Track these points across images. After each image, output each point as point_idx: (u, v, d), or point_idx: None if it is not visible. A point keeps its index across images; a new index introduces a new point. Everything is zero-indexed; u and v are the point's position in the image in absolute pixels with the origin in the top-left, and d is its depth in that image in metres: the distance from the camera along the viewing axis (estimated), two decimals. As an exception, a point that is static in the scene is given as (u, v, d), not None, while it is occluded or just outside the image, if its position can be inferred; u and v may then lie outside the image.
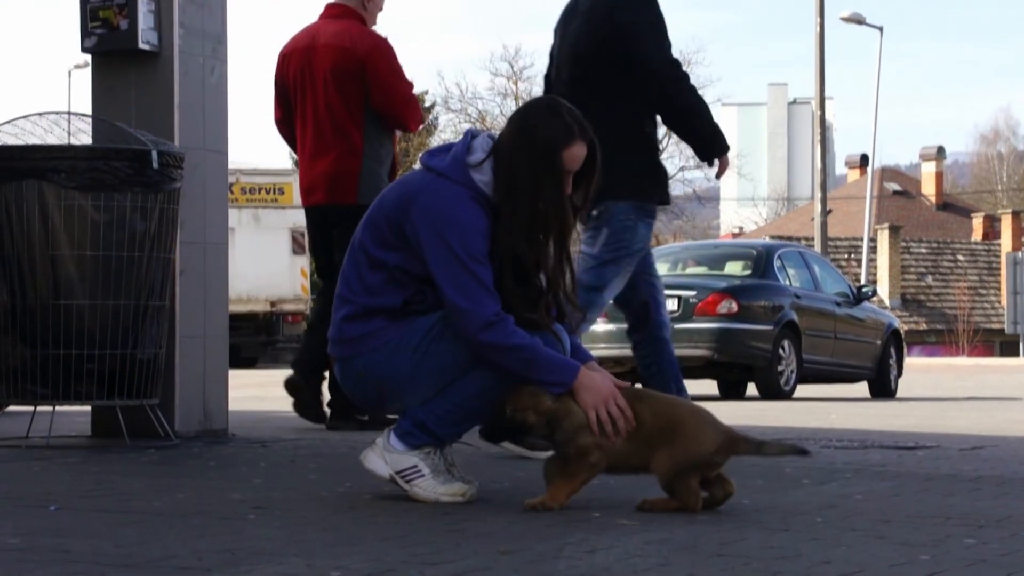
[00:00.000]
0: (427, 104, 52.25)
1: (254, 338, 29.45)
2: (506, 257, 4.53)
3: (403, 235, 4.56)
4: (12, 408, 6.95)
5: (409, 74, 7.98)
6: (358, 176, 7.91)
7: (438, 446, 4.67)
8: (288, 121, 8.19)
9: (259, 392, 14.68)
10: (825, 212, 36.56)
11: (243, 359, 27.78)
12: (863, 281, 38.17)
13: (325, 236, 8.15)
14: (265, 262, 28.44)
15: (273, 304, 29.46)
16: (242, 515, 4.31)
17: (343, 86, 7.90)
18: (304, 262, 30.12)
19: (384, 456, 4.69)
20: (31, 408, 6.87)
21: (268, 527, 4.07)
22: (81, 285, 6.46)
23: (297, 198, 31.74)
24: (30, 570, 3.30)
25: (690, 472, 4.44)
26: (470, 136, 4.64)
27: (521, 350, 4.45)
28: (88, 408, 7.18)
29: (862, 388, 17.72)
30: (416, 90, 8.47)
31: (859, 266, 44.98)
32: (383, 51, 7.89)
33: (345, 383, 4.74)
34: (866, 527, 4.22)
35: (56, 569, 3.32)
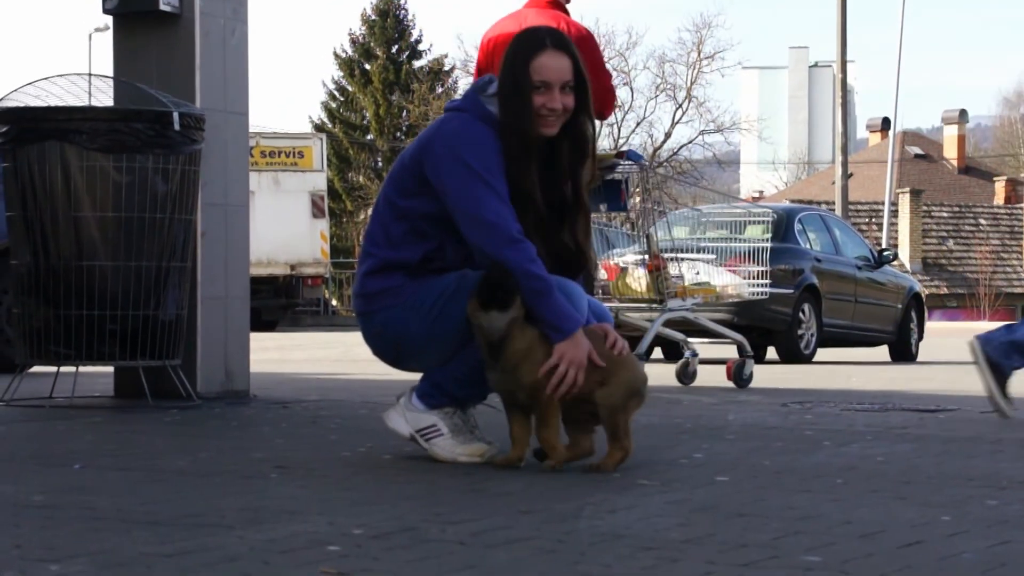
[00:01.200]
0: (446, 68, 52.19)
1: (274, 301, 29.51)
2: (511, 186, 4.49)
3: (424, 179, 4.53)
4: (35, 369, 6.99)
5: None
6: None
7: (459, 407, 4.68)
8: None
9: (279, 355, 14.72)
10: (846, 176, 36.45)
11: (263, 322, 27.85)
12: (884, 245, 38.06)
13: None
14: (285, 225, 28.47)
15: (293, 267, 29.50)
16: (264, 474, 4.33)
17: None
18: (324, 225, 30.15)
19: (405, 415, 4.71)
20: (54, 369, 6.90)
21: (290, 486, 4.09)
22: (103, 246, 6.48)
23: (316, 162, 31.73)
24: (56, 527, 3.33)
25: (631, 406, 4.42)
26: (490, 77, 4.64)
27: (538, 280, 4.36)
28: (111, 369, 7.21)
29: (883, 352, 17.70)
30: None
31: (880, 230, 44.87)
32: (587, 42, 8.13)
33: (367, 339, 4.75)
34: (887, 488, 4.23)
35: (81, 526, 3.35)
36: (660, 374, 11.28)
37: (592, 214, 8.85)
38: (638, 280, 9.10)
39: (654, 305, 9.12)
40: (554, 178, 4.57)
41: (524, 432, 4.46)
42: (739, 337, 9.76)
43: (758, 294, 10.72)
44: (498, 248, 4.38)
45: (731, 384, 9.16)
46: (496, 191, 4.42)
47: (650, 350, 10.72)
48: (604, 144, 48.85)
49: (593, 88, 8.03)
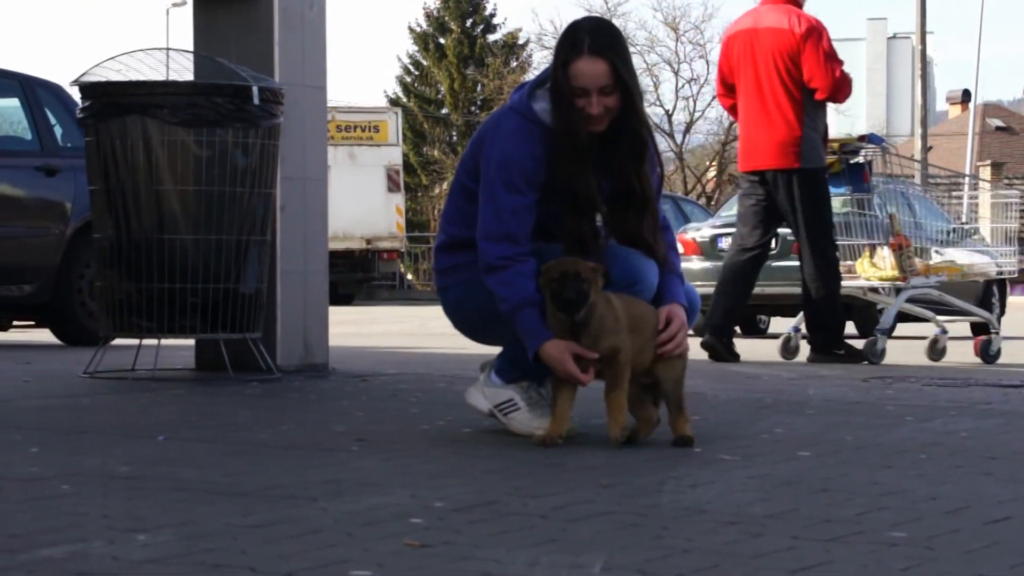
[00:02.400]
0: (520, 41, 52.12)
1: (350, 275, 29.62)
2: (558, 187, 4.49)
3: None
4: (118, 341, 7.05)
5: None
6: (798, 143, 8.69)
7: (535, 380, 4.69)
8: (730, 96, 9.03)
9: (356, 328, 14.78)
10: (926, 149, 36.09)
11: (339, 296, 27.96)
12: (964, 219, 37.62)
13: (765, 200, 8.90)
14: (360, 200, 28.56)
15: (369, 242, 29.61)
16: (345, 447, 4.35)
17: (781, 64, 8.71)
18: (399, 200, 30.22)
19: (484, 391, 4.73)
20: (136, 341, 6.96)
21: (371, 459, 4.10)
22: (184, 220, 6.52)
23: (392, 136, 31.84)
24: (142, 497, 3.36)
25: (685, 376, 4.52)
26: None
27: (504, 301, 4.44)
28: (192, 341, 7.27)
29: (963, 326, 17.52)
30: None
31: (960, 203, 44.43)
32: (819, 33, 8.74)
33: (446, 313, 4.80)
34: (971, 464, 4.19)
35: (166, 496, 3.38)
36: (739, 348, 11.24)
37: (837, 197, 9.11)
38: (883, 259, 9.32)
39: (898, 283, 9.36)
40: (614, 176, 4.55)
41: (567, 409, 4.43)
42: (986, 314, 10.09)
43: (1007, 272, 10.87)
44: (481, 272, 4.51)
45: (807, 358, 9.09)
46: (501, 216, 4.45)
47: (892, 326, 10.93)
48: (680, 118, 48.65)
49: (826, 75, 8.64)
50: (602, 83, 4.42)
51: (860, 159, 9.40)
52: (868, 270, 9.56)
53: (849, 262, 9.64)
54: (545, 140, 4.48)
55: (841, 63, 8.80)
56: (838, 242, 9.30)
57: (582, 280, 4.27)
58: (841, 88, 8.71)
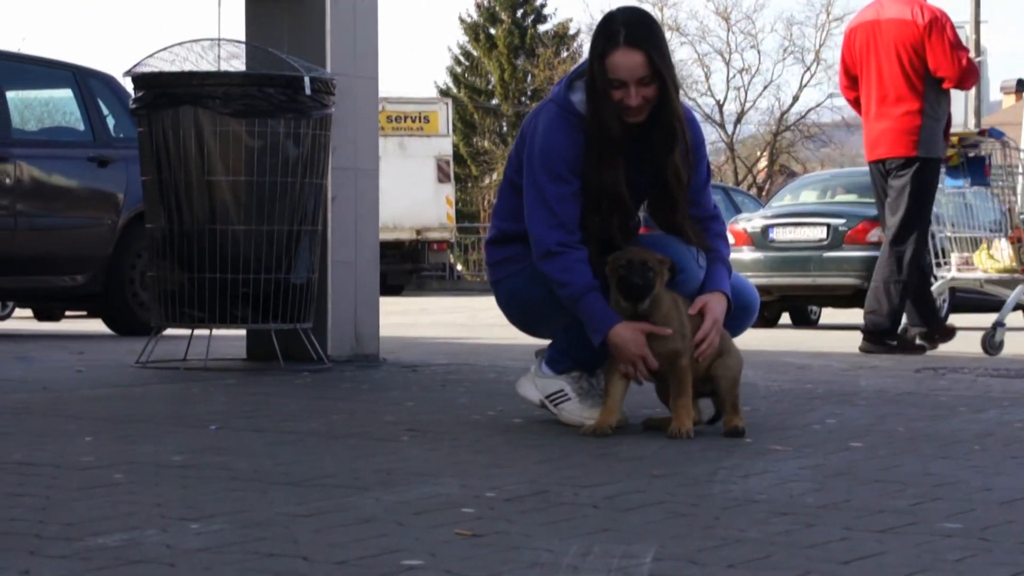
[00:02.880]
0: (571, 32, 52.04)
1: (400, 266, 29.65)
2: (595, 180, 4.48)
3: None
4: (169, 331, 7.09)
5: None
6: (918, 132, 8.79)
7: (586, 371, 4.68)
8: (853, 88, 9.14)
9: (406, 319, 14.81)
10: (978, 139, 35.80)
11: (389, 287, 28.01)
12: (1020, 209, 37.33)
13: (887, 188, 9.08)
14: (410, 191, 28.57)
15: (418, 232, 29.62)
16: (396, 437, 4.36)
17: (904, 55, 8.82)
18: (449, 190, 30.24)
19: (535, 382, 4.74)
20: (188, 332, 7.00)
21: (422, 448, 4.11)
22: (236, 210, 6.55)
23: (442, 126, 31.85)
24: (195, 485, 3.38)
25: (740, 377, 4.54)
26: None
27: (566, 287, 4.44)
28: (243, 332, 7.30)
29: (1017, 317, 17.39)
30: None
31: (1014, 193, 44.08)
32: (942, 23, 8.86)
33: (499, 306, 4.80)
34: (1026, 455, 4.16)
35: (219, 485, 3.39)
36: (790, 339, 11.20)
37: (953, 189, 9.16)
38: (1001, 252, 9.42)
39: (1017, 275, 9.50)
40: (649, 168, 4.53)
41: (619, 400, 4.42)
42: None
43: None
44: (537, 259, 4.50)
45: (859, 347, 9.04)
46: (548, 204, 4.45)
47: (946, 317, 11.05)
48: (731, 108, 48.49)
49: (951, 64, 8.73)
50: (639, 75, 4.40)
51: (980, 152, 9.54)
52: (986, 262, 9.67)
53: (967, 254, 9.71)
54: (583, 130, 4.48)
55: (966, 51, 8.93)
56: (955, 235, 9.39)
57: (648, 268, 4.29)
58: (968, 76, 8.84)
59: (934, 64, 8.79)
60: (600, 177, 4.45)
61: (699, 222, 4.61)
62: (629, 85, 4.41)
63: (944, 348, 9.33)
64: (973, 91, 36.10)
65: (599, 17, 4.69)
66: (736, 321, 4.64)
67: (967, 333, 9.38)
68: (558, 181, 4.47)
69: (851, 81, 9.16)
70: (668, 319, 4.35)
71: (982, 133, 9.66)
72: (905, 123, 8.82)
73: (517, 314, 4.76)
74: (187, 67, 6.76)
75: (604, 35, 4.45)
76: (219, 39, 7.01)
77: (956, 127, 9.83)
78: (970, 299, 15.93)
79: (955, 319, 15.85)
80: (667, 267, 4.35)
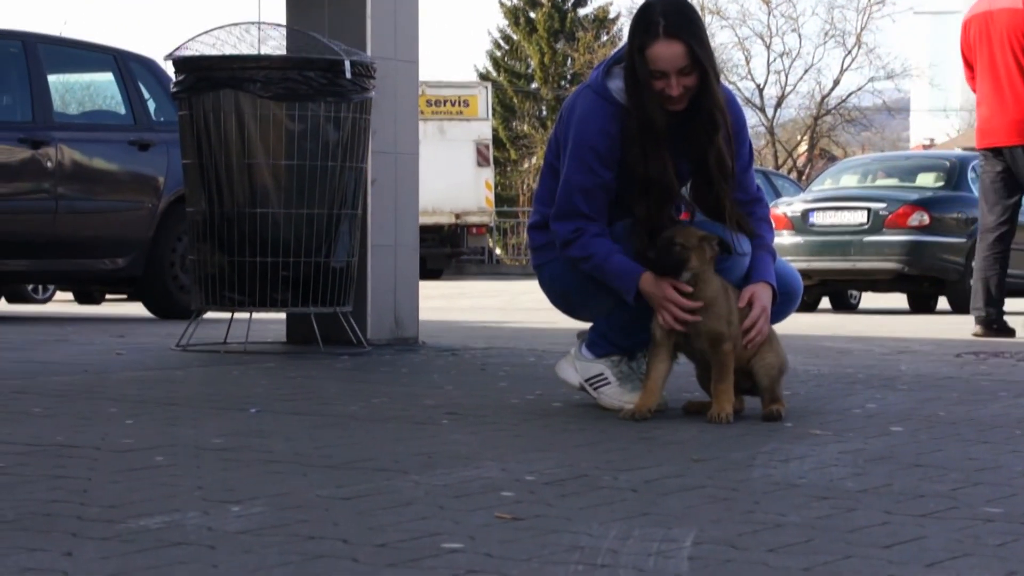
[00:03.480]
0: (611, 16, 51.93)
1: (439, 250, 29.68)
2: (633, 172, 4.48)
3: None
4: (210, 315, 7.11)
5: None
6: None
7: (625, 354, 4.68)
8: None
9: (445, 303, 14.83)
10: (1020, 123, 35.55)
11: (429, 270, 28.05)
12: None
13: (1003, 175, 9.19)
14: (450, 174, 28.59)
15: (458, 216, 29.64)
16: (436, 420, 4.37)
17: (1016, 44, 8.95)
18: (488, 174, 30.24)
19: (575, 364, 4.74)
20: (228, 315, 7.02)
21: (462, 432, 4.11)
22: (276, 194, 6.56)
23: (482, 110, 31.82)
24: (235, 468, 3.39)
25: (784, 374, 4.53)
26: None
27: (588, 259, 4.48)
28: (283, 315, 7.32)
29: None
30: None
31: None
32: None
33: (543, 290, 4.81)
34: (1068, 441, 4.13)
35: (259, 468, 3.40)
36: (830, 324, 11.17)
37: None
38: None
39: None
40: (691, 155, 4.52)
41: (659, 383, 4.42)
42: None
43: None
44: (560, 251, 4.56)
45: (901, 334, 9.02)
46: (571, 190, 4.49)
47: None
48: (772, 92, 48.31)
49: None
50: (680, 65, 4.39)
51: None
52: None
53: None
54: (619, 118, 4.47)
55: None
56: None
57: (674, 244, 4.31)
58: None
59: None
60: (648, 167, 4.45)
61: (743, 206, 4.60)
62: (670, 75, 4.40)
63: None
64: None
65: (639, 2, 4.66)
66: (779, 307, 4.63)
67: (1008, 318, 9.33)
68: (586, 172, 4.47)
69: (974, 72, 9.26)
70: (715, 302, 4.35)
71: None
72: (1019, 112, 8.93)
73: (559, 297, 4.78)
74: (228, 51, 6.77)
75: (643, 26, 4.43)
76: (260, 22, 7.02)
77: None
78: (1012, 283, 15.85)
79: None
80: (713, 243, 4.34)
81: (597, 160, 4.47)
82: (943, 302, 15.41)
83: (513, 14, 53.53)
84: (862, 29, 48.46)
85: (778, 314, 4.65)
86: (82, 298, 14.87)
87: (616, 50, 4.63)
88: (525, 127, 51.52)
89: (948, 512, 2.99)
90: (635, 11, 4.57)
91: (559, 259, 4.66)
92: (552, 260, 4.69)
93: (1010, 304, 10.05)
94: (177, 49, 6.80)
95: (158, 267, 10.15)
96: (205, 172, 6.62)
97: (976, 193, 15.74)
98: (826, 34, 48.95)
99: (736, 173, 4.57)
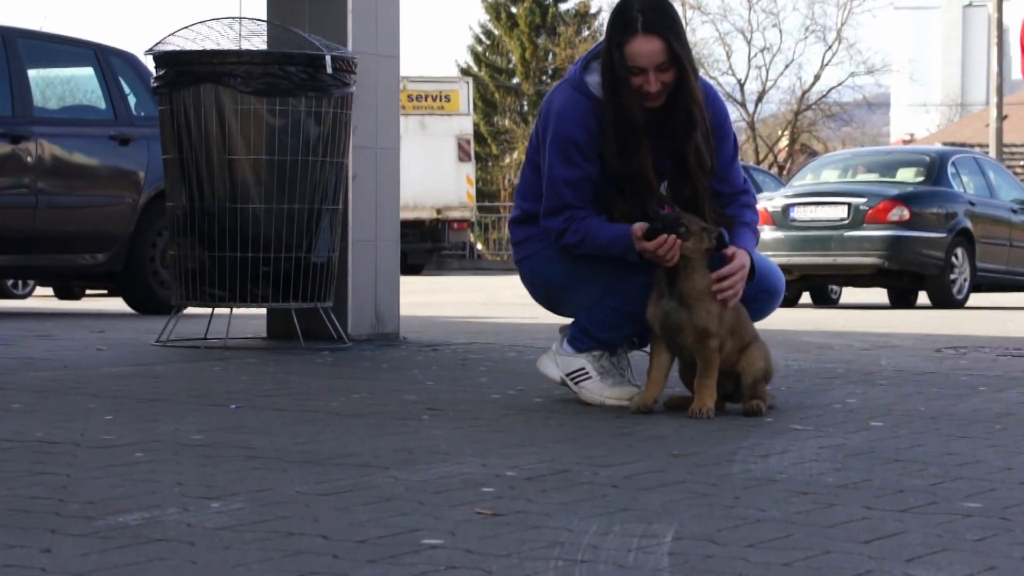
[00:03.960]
0: (592, 11, 51.93)
1: (420, 245, 29.66)
2: (613, 169, 4.49)
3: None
4: (190, 310, 7.10)
5: None
6: None
7: (607, 349, 4.69)
8: None
9: (426, 298, 14.81)
10: (1001, 118, 35.71)
11: (409, 266, 28.03)
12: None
13: None
14: (431, 169, 28.56)
15: (439, 211, 29.61)
16: (416, 416, 4.36)
17: None
18: (470, 169, 30.22)
19: (556, 359, 4.75)
20: (208, 310, 7.01)
21: (443, 427, 4.11)
22: (256, 189, 6.55)
23: (463, 105, 31.80)
24: (215, 464, 3.39)
25: (769, 377, 4.54)
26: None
27: (583, 242, 4.50)
28: (263, 311, 7.31)
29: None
30: None
31: (1035, 173, 43.88)
32: None
33: (524, 285, 4.82)
34: (1047, 435, 4.15)
35: (239, 464, 3.40)
36: (810, 319, 11.19)
37: None
38: None
39: None
40: (669, 151, 4.52)
41: (662, 375, 4.44)
42: None
43: None
44: (555, 241, 4.58)
45: (882, 329, 9.04)
46: (556, 184, 4.50)
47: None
48: (752, 87, 48.37)
49: None
50: (658, 61, 4.41)
51: None
52: None
53: None
54: (597, 112, 4.48)
55: None
56: None
57: (680, 224, 4.33)
58: None
59: None
60: (627, 163, 4.45)
61: (728, 198, 4.61)
62: (648, 72, 4.41)
63: (965, 327, 9.31)
64: (995, 70, 35.97)
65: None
66: (760, 304, 4.64)
67: (987, 312, 9.36)
68: (569, 165, 4.49)
69: None
70: (703, 297, 4.36)
71: None
72: None
73: (540, 292, 4.79)
74: (208, 45, 6.76)
75: (621, 22, 4.44)
76: (240, 17, 7.00)
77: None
78: (992, 278, 15.91)
79: (976, 298, 15.86)
80: (712, 235, 4.36)
81: (579, 153, 4.48)
82: (923, 297, 15.46)
83: (494, 9, 53.50)
84: (842, 24, 48.57)
85: (761, 311, 4.66)
86: (62, 293, 14.83)
87: (596, 45, 4.63)
88: (506, 122, 51.51)
89: (928, 507, 3.00)
90: (613, 6, 4.57)
91: (541, 252, 4.67)
92: (534, 254, 4.70)
93: (1008, 299, 10.06)
94: (157, 44, 6.78)
95: (138, 262, 10.12)
96: (185, 167, 6.60)
97: (956, 188, 15.83)
98: (807, 29, 49.09)
99: (720, 167, 4.58)
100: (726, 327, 4.39)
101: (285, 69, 6.51)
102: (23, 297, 14.75)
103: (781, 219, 14.80)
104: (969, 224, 15.32)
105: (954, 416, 4.56)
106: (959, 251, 15.11)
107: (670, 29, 4.42)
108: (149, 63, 7.02)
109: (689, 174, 4.52)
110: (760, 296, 4.60)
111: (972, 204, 15.63)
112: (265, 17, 7.25)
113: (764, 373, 4.49)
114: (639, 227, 4.37)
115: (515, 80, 52.92)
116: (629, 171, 4.46)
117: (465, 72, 50.12)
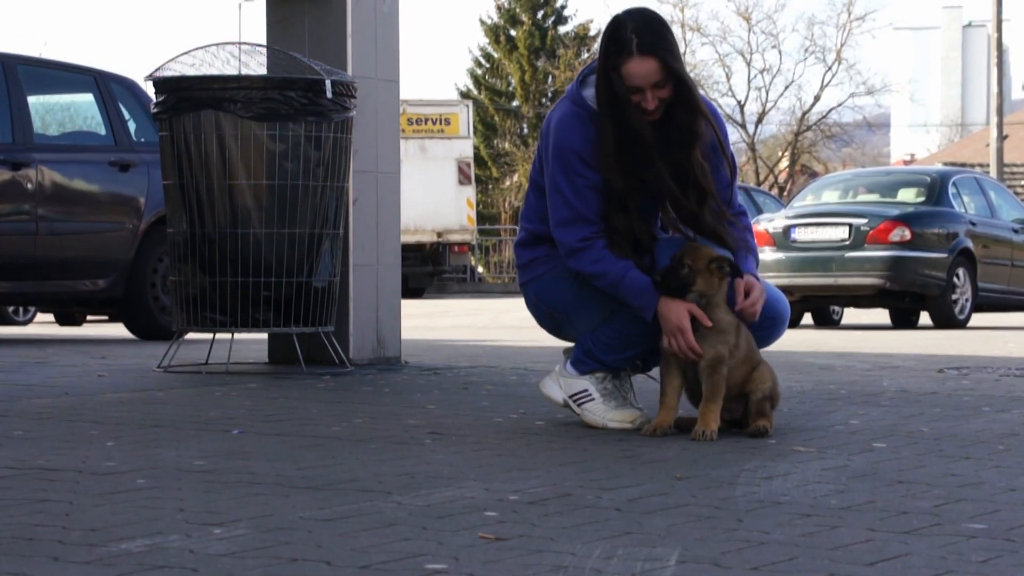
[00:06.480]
0: (592, 33, 52.03)
1: (421, 268, 29.65)
2: (618, 186, 4.50)
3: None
4: (191, 336, 7.09)
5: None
6: None
7: (610, 372, 4.68)
8: None
9: (427, 322, 14.80)
10: (1001, 138, 35.73)
11: (410, 289, 28.02)
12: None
13: None
14: (431, 193, 28.58)
15: (440, 235, 29.62)
16: (419, 440, 4.36)
17: None
18: (470, 192, 30.24)
19: (559, 381, 4.75)
20: (209, 336, 7.00)
21: (445, 452, 4.11)
22: (257, 214, 6.55)
23: (463, 128, 31.93)
24: (217, 490, 3.38)
25: (775, 402, 4.56)
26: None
27: (603, 277, 4.50)
28: (265, 335, 7.30)
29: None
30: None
31: (1035, 193, 43.89)
32: None
33: (528, 308, 4.81)
34: (1050, 456, 4.14)
35: (242, 490, 3.39)
36: (812, 340, 11.18)
37: None
38: None
39: None
40: (671, 164, 4.53)
41: (676, 399, 4.44)
42: None
43: None
44: (565, 258, 4.57)
45: (884, 350, 9.03)
46: (568, 201, 4.50)
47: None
48: (752, 108, 48.43)
49: None
50: (654, 80, 4.44)
51: None
52: None
53: None
54: (595, 124, 4.49)
55: None
56: None
57: (682, 266, 4.36)
58: None
59: None
60: (633, 180, 4.47)
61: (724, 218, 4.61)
62: (645, 90, 4.43)
63: (967, 348, 9.30)
64: (995, 89, 36.01)
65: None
66: (767, 332, 4.65)
67: (989, 332, 9.34)
68: (574, 175, 4.50)
69: None
70: (722, 324, 4.37)
71: None
72: None
73: (545, 315, 4.77)
74: (208, 71, 6.77)
75: (616, 45, 4.46)
76: (240, 43, 7.01)
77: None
78: (993, 298, 15.90)
79: (978, 319, 15.85)
80: (724, 265, 4.37)
81: (581, 163, 4.49)
82: (925, 317, 15.45)
83: (494, 32, 53.60)
84: (842, 45, 48.65)
85: (767, 338, 4.67)
86: (63, 320, 14.82)
87: (593, 61, 4.65)
88: (506, 145, 51.56)
89: (931, 529, 2.99)
90: (605, 26, 4.58)
91: (545, 275, 4.66)
92: (538, 277, 4.70)
93: (1010, 319, 10.04)
94: (157, 69, 6.79)
95: (139, 288, 10.13)
96: (186, 192, 6.61)
97: (957, 208, 15.83)
98: (806, 50, 49.16)
99: (717, 188, 4.58)
100: (740, 354, 4.41)
101: (285, 94, 6.52)
102: (24, 324, 14.74)
103: (782, 240, 14.80)
104: (970, 244, 15.32)
105: (957, 437, 4.55)
106: (960, 271, 15.11)
107: (665, 48, 4.45)
108: (149, 89, 7.02)
109: (690, 188, 4.52)
110: (766, 323, 4.60)
111: (973, 224, 15.63)
112: (265, 42, 7.26)
113: (771, 392, 4.49)
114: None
115: (515, 103, 53.00)
116: (633, 188, 4.47)
117: (465, 95, 50.20)
